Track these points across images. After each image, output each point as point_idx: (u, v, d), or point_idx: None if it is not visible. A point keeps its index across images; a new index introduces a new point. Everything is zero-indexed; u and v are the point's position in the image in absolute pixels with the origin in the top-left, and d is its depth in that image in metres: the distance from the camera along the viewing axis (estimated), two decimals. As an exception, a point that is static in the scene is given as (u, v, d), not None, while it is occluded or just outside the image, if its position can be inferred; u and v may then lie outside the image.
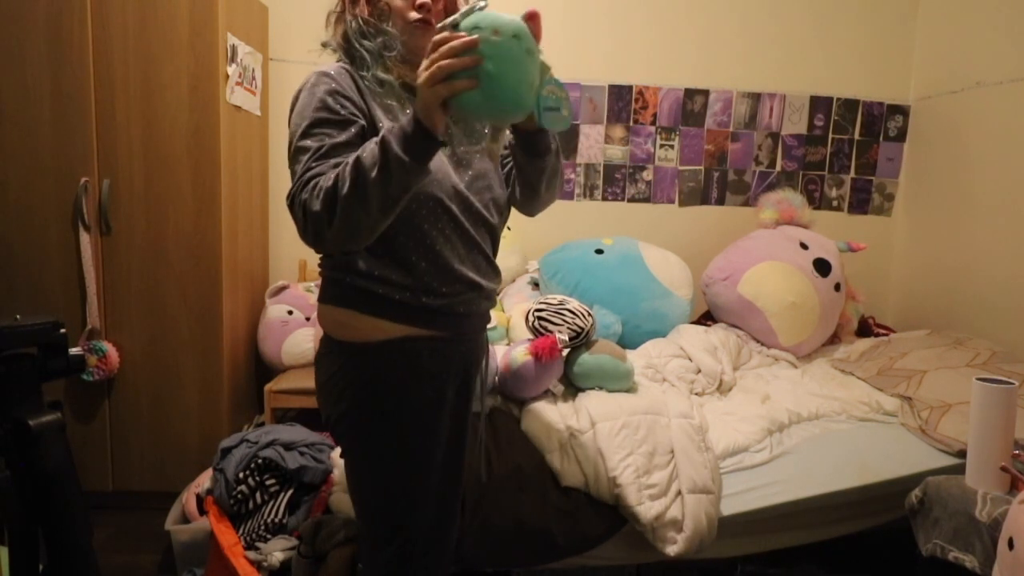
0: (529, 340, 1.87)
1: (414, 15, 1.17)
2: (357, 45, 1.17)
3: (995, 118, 2.53)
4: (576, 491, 1.62)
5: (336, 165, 0.99)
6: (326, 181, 0.96)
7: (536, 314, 1.89)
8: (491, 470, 1.63)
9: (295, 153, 1.04)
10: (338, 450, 1.93)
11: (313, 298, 2.55)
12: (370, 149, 0.95)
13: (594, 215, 2.90)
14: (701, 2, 2.85)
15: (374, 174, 0.93)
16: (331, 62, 1.20)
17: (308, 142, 1.03)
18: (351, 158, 0.96)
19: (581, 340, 1.87)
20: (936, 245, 2.83)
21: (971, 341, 2.28)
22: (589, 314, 1.90)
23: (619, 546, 1.62)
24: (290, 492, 1.86)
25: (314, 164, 1.00)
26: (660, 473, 1.60)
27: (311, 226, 0.98)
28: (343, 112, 1.07)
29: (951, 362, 2.11)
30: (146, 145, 2.17)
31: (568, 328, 1.85)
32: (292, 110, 1.11)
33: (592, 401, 1.78)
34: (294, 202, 1.00)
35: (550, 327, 1.85)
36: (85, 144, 2.14)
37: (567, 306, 1.89)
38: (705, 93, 2.90)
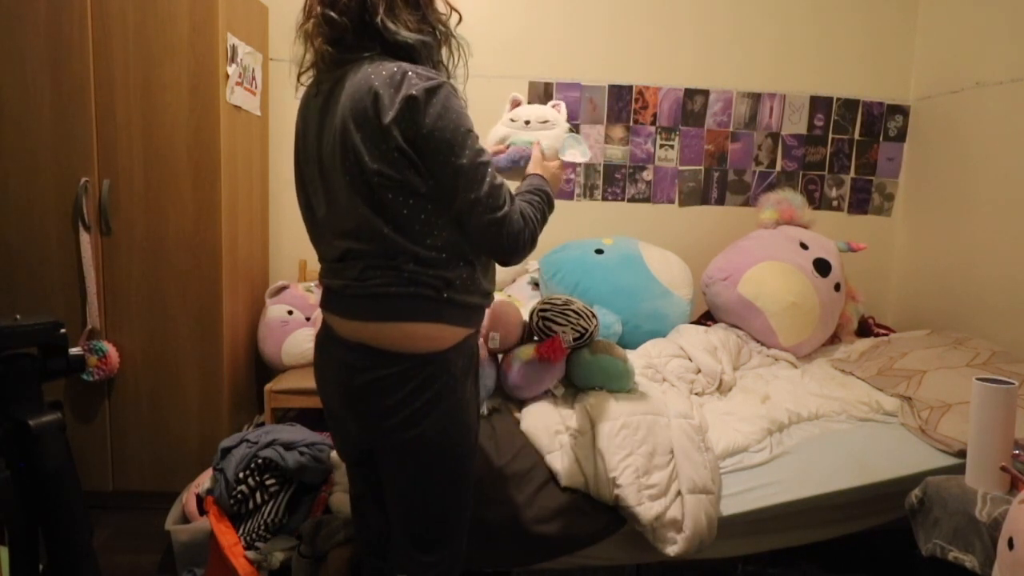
0: (535, 341, 1.87)
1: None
2: (456, 49, 1.22)
3: (995, 118, 2.53)
4: (576, 491, 1.62)
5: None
6: (531, 211, 1.20)
7: (540, 314, 1.89)
8: (491, 470, 1.63)
9: (481, 166, 1.12)
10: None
11: (313, 298, 2.55)
12: (542, 196, 1.27)
13: (594, 215, 2.90)
14: (701, 2, 2.85)
15: (550, 211, 1.28)
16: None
17: (486, 159, 1.14)
18: (543, 198, 1.26)
19: (585, 341, 1.87)
20: (936, 245, 2.83)
21: (971, 341, 2.28)
22: (593, 315, 1.90)
23: (619, 546, 1.62)
24: (290, 492, 1.87)
25: (499, 183, 1.15)
26: (660, 473, 1.60)
27: (530, 239, 1.18)
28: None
29: (951, 362, 2.11)
30: (146, 145, 2.17)
31: (572, 328, 1.85)
32: (432, 106, 1.08)
33: (592, 401, 1.78)
34: (509, 214, 1.14)
35: (554, 327, 1.85)
36: (85, 144, 2.14)
37: (571, 306, 1.89)
38: (705, 93, 2.90)
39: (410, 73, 1.09)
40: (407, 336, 1.15)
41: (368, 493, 1.39)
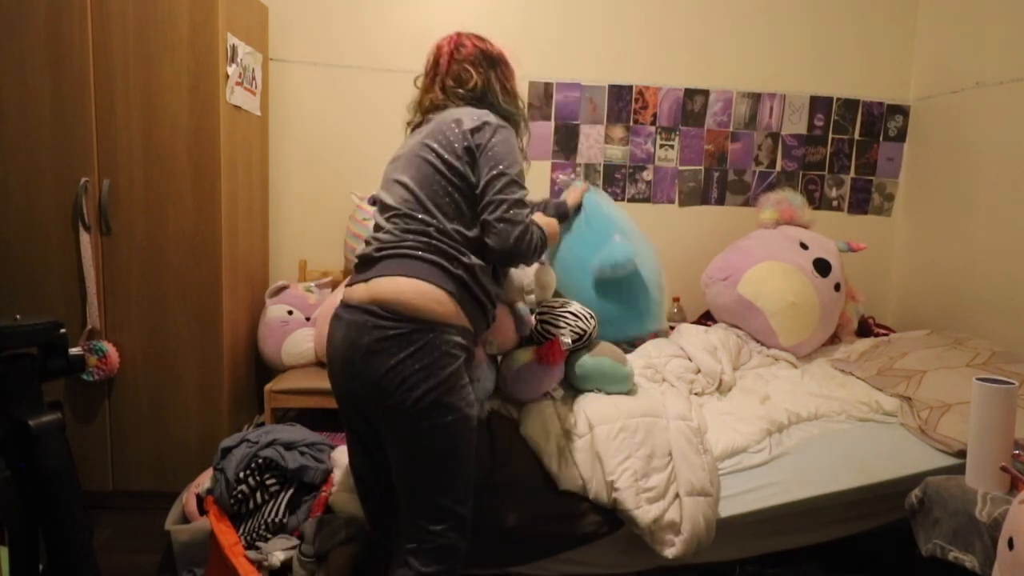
0: (534, 344, 1.87)
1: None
2: (519, 108, 1.56)
3: (995, 118, 2.53)
4: (574, 494, 1.61)
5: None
6: (539, 231, 1.42)
7: (538, 317, 1.89)
8: (490, 473, 1.63)
9: (517, 185, 1.38)
10: (339, 449, 1.93)
11: (313, 298, 2.55)
12: (551, 215, 1.80)
13: (594, 215, 2.89)
14: (701, 2, 2.85)
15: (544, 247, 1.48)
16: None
17: (523, 188, 1.40)
18: (548, 218, 1.66)
19: (584, 343, 1.87)
20: (936, 245, 2.83)
21: (971, 341, 2.28)
22: (591, 317, 1.90)
23: (618, 550, 1.62)
24: (290, 492, 1.86)
25: (526, 207, 1.40)
26: (658, 476, 1.60)
27: (540, 242, 1.42)
28: None
29: (951, 362, 2.11)
30: (146, 145, 2.17)
31: (571, 331, 1.85)
32: (494, 137, 1.38)
33: (590, 404, 1.78)
34: (528, 228, 1.38)
35: (553, 330, 1.85)
36: (85, 144, 2.14)
37: (569, 308, 1.89)
38: (705, 93, 2.90)
39: (489, 112, 1.43)
40: (418, 293, 1.30)
41: (372, 469, 1.46)
